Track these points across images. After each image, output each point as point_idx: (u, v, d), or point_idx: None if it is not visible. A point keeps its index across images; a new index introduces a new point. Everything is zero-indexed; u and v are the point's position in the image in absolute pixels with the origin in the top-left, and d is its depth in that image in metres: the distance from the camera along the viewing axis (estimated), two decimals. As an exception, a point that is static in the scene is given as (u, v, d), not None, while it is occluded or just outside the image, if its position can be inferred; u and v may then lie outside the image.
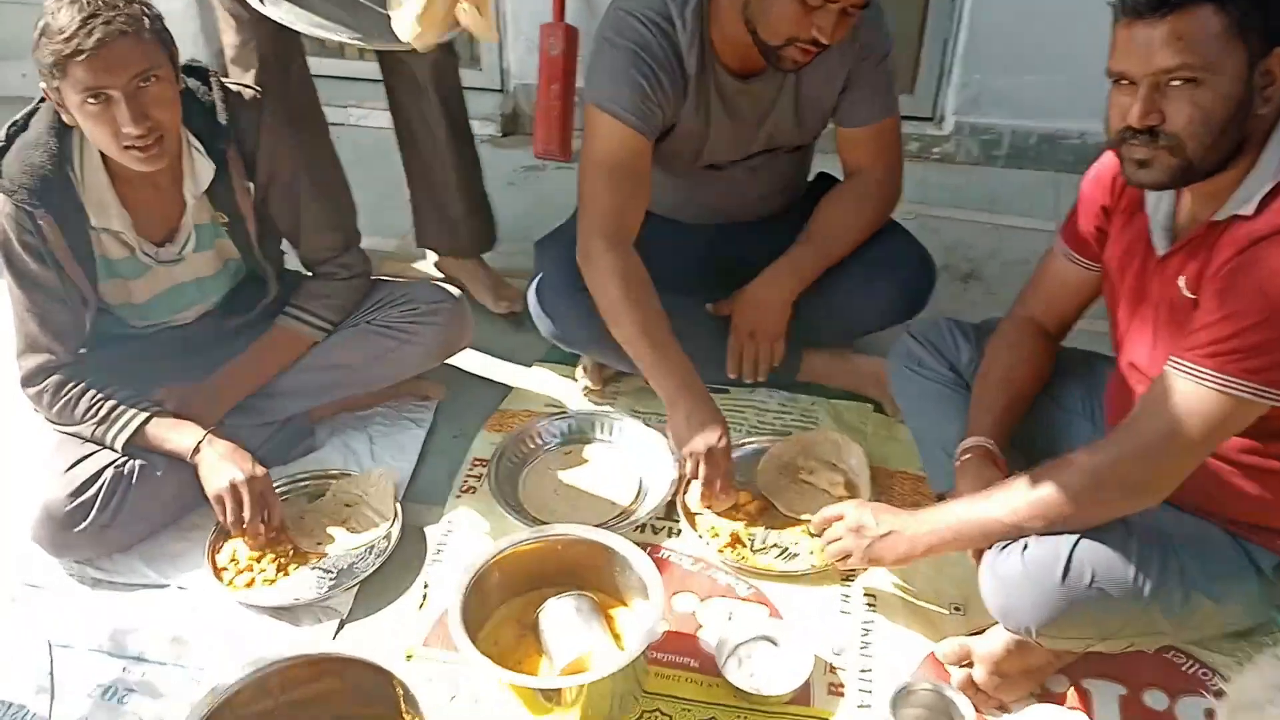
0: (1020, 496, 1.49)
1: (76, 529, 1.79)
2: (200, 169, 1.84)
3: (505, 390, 2.28)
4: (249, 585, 1.83)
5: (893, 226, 2.16)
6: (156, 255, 1.88)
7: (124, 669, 1.69)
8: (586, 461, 2.09)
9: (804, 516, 1.91)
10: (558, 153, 2.67)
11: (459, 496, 2.01)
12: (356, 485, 1.98)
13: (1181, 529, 1.53)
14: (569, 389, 2.29)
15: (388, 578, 1.85)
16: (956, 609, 1.78)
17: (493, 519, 1.95)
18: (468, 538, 1.93)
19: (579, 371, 2.28)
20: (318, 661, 1.52)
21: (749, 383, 2.20)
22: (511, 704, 1.56)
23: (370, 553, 1.88)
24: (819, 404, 2.22)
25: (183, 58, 1.78)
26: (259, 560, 1.85)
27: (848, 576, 1.83)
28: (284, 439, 2.07)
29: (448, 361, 2.22)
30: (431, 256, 2.64)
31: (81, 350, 1.91)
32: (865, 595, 1.80)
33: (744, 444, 2.05)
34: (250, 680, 1.47)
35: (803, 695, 1.64)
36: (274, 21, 2.02)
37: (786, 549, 1.88)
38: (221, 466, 1.83)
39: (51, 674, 1.68)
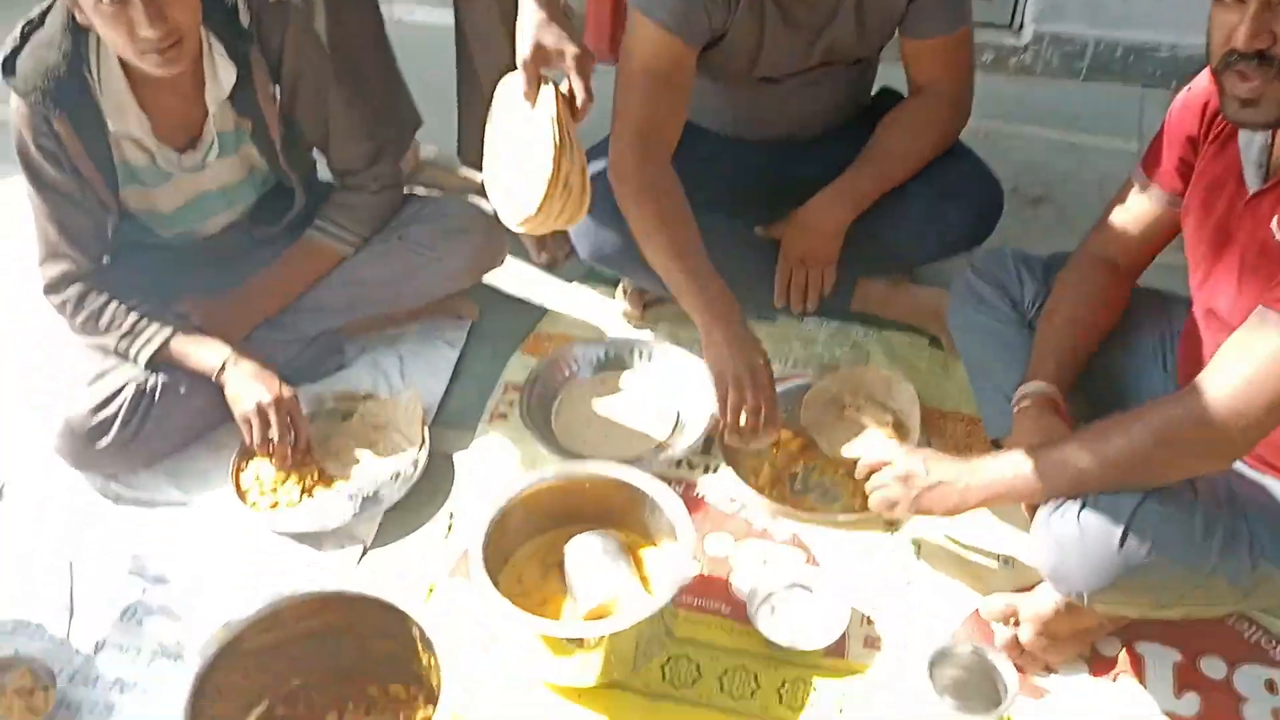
0: (1083, 451, 1.38)
1: (99, 444, 1.76)
2: (222, 73, 1.75)
3: (541, 312, 2.20)
4: (273, 507, 1.79)
5: (959, 148, 2.02)
6: (179, 162, 1.80)
7: (144, 590, 1.67)
8: (622, 391, 2.01)
9: (849, 457, 1.82)
10: (607, 52, 2.52)
11: (490, 423, 1.95)
12: (385, 409, 1.93)
13: (1251, 492, 1.42)
14: (608, 312, 2.19)
15: (413, 505, 1.80)
16: (1005, 562, 1.69)
17: (523, 447, 1.89)
18: (497, 467, 1.87)
19: (618, 293, 2.18)
20: (335, 598, 1.48)
21: (797, 312, 2.10)
22: (533, 645, 1.51)
23: (397, 480, 1.83)
24: (871, 337, 2.11)
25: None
26: (283, 482, 1.81)
27: (891, 523, 1.74)
28: (312, 356, 2.02)
29: (483, 280, 2.14)
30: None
31: (105, 259, 1.87)
32: (909, 544, 1.72)
33: (788, 378, 1.95)
34: (264, 614, 1.44)
35: (837, 648, 1.58)
36: None
37: (828, 491, 1.80)
38: (248, 387, 1.78)
39: (71, 593, 1.67)
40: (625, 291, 2.16)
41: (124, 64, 1.68)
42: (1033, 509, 1.48)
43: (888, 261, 2.09)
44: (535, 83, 1.58)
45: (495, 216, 2.04)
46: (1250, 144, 1.36)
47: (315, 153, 1.99)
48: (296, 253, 1.96)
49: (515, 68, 1.62)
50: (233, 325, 1.89)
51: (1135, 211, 1.61)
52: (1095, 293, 1.64)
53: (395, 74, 2.34)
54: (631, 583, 1.56)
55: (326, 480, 1.83)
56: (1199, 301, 1.49)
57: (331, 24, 2.06)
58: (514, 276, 2.26)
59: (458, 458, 1.89)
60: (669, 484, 1.64)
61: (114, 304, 1.80)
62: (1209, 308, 1.46)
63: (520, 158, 1.63)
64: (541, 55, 1.56)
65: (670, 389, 1.99)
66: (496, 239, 2.05)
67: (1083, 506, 1.38)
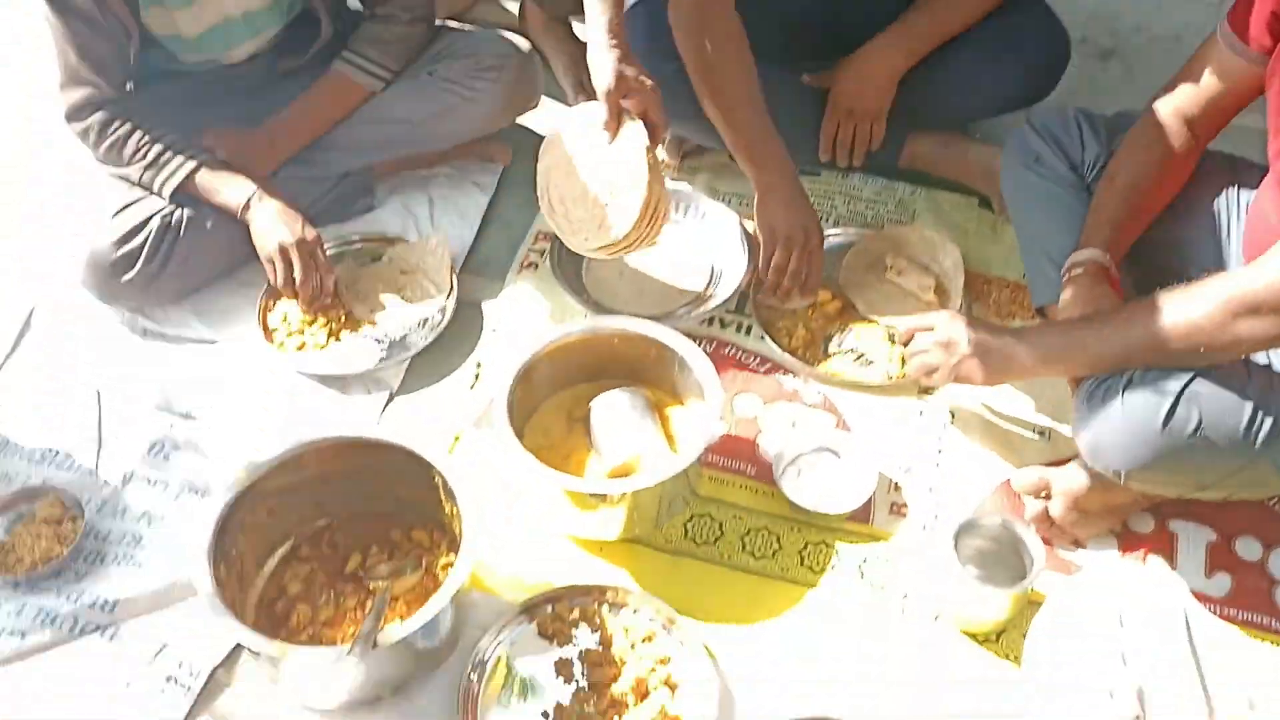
0: (1135, 323, 1.33)
1: (124, 278, 1.74)
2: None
3: (577, 157, 2.12)
4: (300, 349, 1.77)
5: (1024, -8, 1.89)
6: (201, -18, 1.72)
7: (171, 426, 1.67)
8: (656, 243, 1.94)
9: (886, 321, 1.77)
10: None
11: (519, 273, 1.91)
12: (414, 252, 1.88)
13: (1305, 371, 1.35)
14: (645, 159, 2.11)
15: (440, 353, 1.78)
16: (1041, 434, 1.65)
17: (553, 299, 1.84)
18: (526, 317, 1.83)
19: (657, 141, 2.10)
20: (359, 443, 1.48)
21: (843, 167, 2.02)
22: (557, 499, 1.50)
23: (424, 326, 1.80)
24: (918, 195, 2.02)
25: None
26: (310, 324, 1.79)
27: (926, 390, 1.70)
28: (341, 195, 1.97)
29: (517, 121, 2.06)
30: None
31: (128, 87, 1.81)
32: (944, 412, 1.67)
33: (829, 235, 1.87)
34: (288, 456, 1.44)
35: (862, 513, 1.56)
36: None
37: (863, 355, 1.75)
38: (272, 227, 1.74)
39: (100, 424, 1.67)
40: (663, 141, 2.07)
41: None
42: (1075, 382, 1.43)
43: (941, 116, 1.99)
44: (618, 114, 1.61)
45: (530, 52, 1.97)
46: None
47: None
48: (323, 86, 1.89)
49: None
50: (258, 160, 1.84)
51: (1216, 69, 1.49)
52: (1162, 156, 1.54)
53: None
54: (657, 441, 1.54)
55: (353, 324, 1.81)
56: (1278, 170, 1.39)
57: None
58: (549, 118, 2.16)
59: (486, 307, 1.85)
60: (699, 342, 1.61)
61: (138, 134, 1.75)
62: (1287, 176, 1.37)
63: (599, 186, 1.65)
64: (624, 86, 1.60)
65: (706, 243, 1.93)
66: (531, 77, 1.97)
67: (1128, 382, 1.34)
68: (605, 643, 1.41)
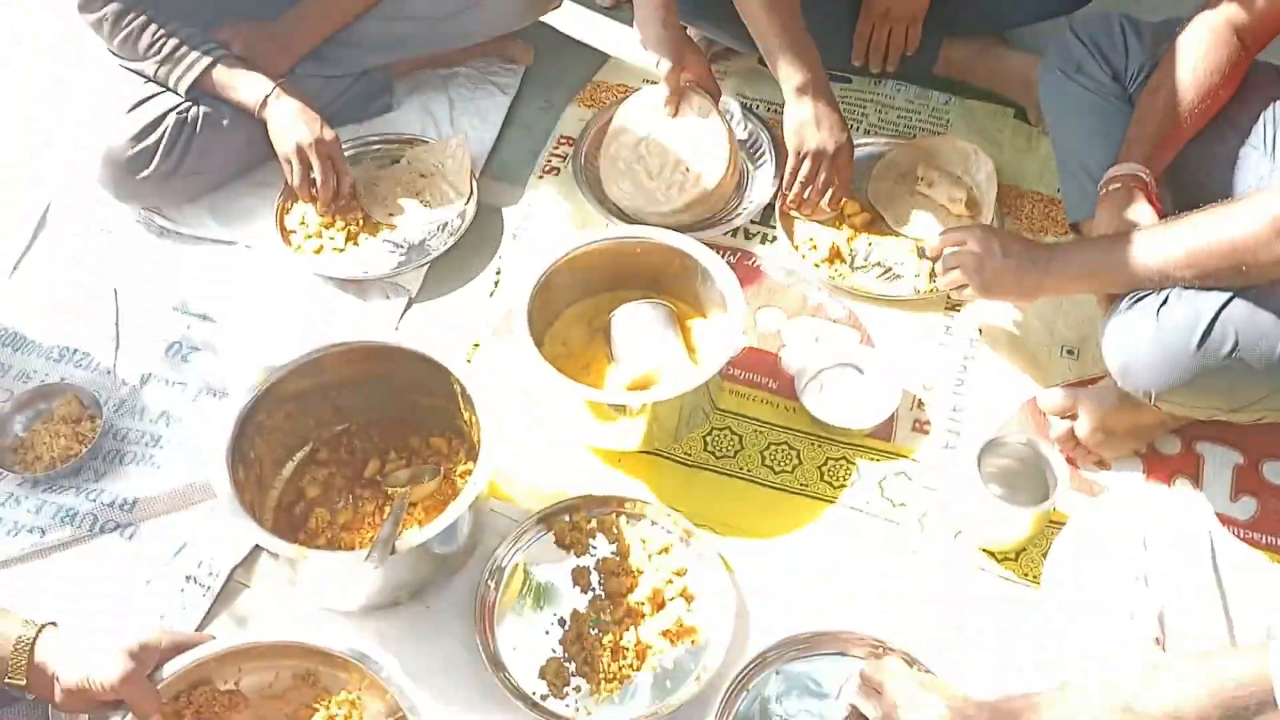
0: (1175, 240, 1.29)
1: (140, 175, 1.72)
2: None
3: (602, 58, 2.06)
4: (317, 252, 1.75)
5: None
6: None
7: (189, 326, 1.66)
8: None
9: (915, 234, 1.72)
10: None
11: (541, 177, 1.87)
12: (433, 154, 1.84)
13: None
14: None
15: (460, 259, 1.75)
16: (1069, 353, 1.62)
17: (575, 205, 1.81)
18: (547, 223, 1.80)
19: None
20: (377, 348, 1.46)
21: (875, 72, 1.96)
22: (576, 409, 1.49)
23: (443, 230, 1.77)
24: (953, 104, 1.96)
25: None
26: (328, 227, 1.77)
27: (954, 306, 1.66)
28: (360, 94, 1.92)
29: (540, 20, 1.99)
30: None
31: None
32: (971, 328, 1.64)
33: (858, 145, 1.81)
34: (305, 360, 1.42)
35: (884, 430, 1.54)
36: None
37: (890, 269, 1.71)
38: (289, 126, 1.71)
39: (117, 324, 1.66)
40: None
41: None
42: (1106, 300, 1.40)
43: (979, 21, 1.92)
44: (679, 91, 1.77)
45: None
46: None
47: None
48: (342, -23, 1.83)
49: None
50: (275, 56, 1.80)
51: (1273, -26, 1.42)
52: (1210, 66, 1.47)
53: None
54: (678, 353, 1.51)
55: (372, 227, 1.78)
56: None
57: None
58: (573, 18, 2.11)
59: (506, 212, 1.82)
60: (723, 253, 1.58)
61: (153, 27, 1.71)
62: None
63: (677, 154, 1.75)
64: (685, 65, 1.76)
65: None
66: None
67: (1163, 302, 1.30)
68: (622, 553, 1.41)
